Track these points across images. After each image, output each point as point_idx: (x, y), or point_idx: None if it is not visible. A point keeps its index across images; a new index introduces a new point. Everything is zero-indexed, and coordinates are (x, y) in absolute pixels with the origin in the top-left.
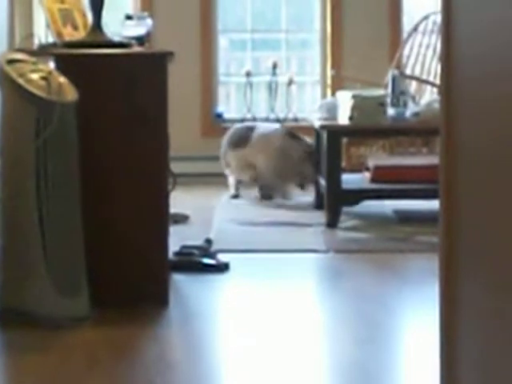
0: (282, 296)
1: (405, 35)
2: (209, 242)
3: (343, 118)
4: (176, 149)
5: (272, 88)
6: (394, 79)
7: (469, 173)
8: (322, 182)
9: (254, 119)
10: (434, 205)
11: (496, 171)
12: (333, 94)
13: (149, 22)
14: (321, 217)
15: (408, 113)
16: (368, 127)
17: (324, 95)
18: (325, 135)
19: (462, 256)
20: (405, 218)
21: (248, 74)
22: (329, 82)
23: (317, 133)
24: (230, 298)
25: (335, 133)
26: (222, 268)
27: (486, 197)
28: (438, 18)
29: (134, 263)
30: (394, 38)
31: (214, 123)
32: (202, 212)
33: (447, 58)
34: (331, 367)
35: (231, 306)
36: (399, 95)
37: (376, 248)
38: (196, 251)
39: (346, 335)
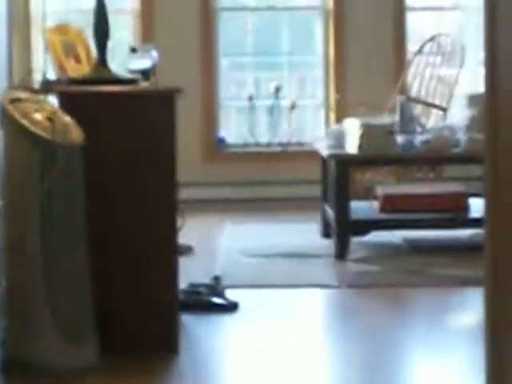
0: (294, 338)
1: (409, 57)
2: (217, 279)
3: (351, 147)
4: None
5: (274, 112)
6: (402, 106)
7: None
8: (329, 210)
9: (257, 144)
10: (444, 234)
11: None
12: (337, 117)
13: (154, 54)
14: (329, 246)
15: (417, 141)
16: (377, 156)
17: (327, 119)
18: (333, 164)
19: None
20: (416, 247)
21: (250, 98)
22: (332, 105)
23: (323, 160)
24: (240, 342)
25: (344, 162)
26: (231, 308)
27: None
28: (443, 40)
29: (143, 307)
30: (398, 60)
31: (217, 148)
32: (205, 241)
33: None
34: None
35: (241, 351)
36: (408, 122)
37: (389, 282)
38: (204, 290)
39: (358, 381)
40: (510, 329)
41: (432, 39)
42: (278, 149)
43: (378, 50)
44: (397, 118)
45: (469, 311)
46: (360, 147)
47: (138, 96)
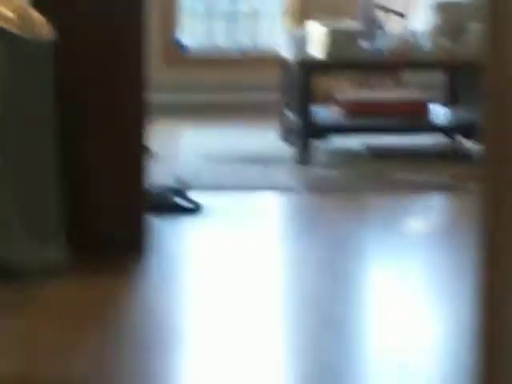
0: (257, 241)
1: None
2: (180, 180)
3: (316, 51)
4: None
5: (233, 17)
6: (364, 11)
7: None
8: (290, 115)
9: (216, 49)
10: (405, 141)
11: None
12: (298, 22)
13: None
14: (289, 151)
15: (382, 45)
16: (343, 61)
17: (287, 23)
18: (297, 68)
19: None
20: (377, 154)
21: (208, 3)
22: (292, 10)
23: (285, 65)
24: (204, 244)
25: (309, 66)
26: (196, 209)
27: None
28: None
29: (111, 207)
30: None
31: (176, 53)
32: (166, 146)
33: None
34: (298, 322)
35: (206, 253)
36: (371, 27)
37: (351, 187)
38: (168, 191)
39: (316, 290)
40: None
41: None
42: (238, 54)
43: None
44: (359, 23)
45: (431, 216)
46: (326, 52)
47: None
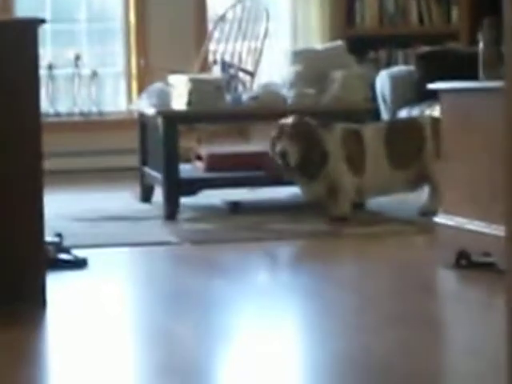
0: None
1: (211, 24)
2: (60, 236)
3: (178, 104)
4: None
5: (75, 81)
6: (223, 64)
7: None
8: (152, 172)
9: (58, 114)
10: (261, 195)
11: None
12: (139, 85)
13: None
14: (151, 210)
15: (245, 97)
16: (208, 112)
17: (129, 87)
18: (161, 122)
19: None
20: (237, 207)
21: (50, 67)
22: (134, 72)
23: (142, 122)
24: (99, 298)
25: (173, 119)
26: (81, 264)
27: None
28: (246, 5)
29: (8, 262)
30: (200, 25)
31: None
32: None
33: None
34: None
35: (104, 308)
36: (230, 80)
37: (232, 237)
38: (50, 247)
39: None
40: None
41: (234, 5)
42: (79, 118)
43: (179, 17)
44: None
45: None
46: (189, 103)
47: None
